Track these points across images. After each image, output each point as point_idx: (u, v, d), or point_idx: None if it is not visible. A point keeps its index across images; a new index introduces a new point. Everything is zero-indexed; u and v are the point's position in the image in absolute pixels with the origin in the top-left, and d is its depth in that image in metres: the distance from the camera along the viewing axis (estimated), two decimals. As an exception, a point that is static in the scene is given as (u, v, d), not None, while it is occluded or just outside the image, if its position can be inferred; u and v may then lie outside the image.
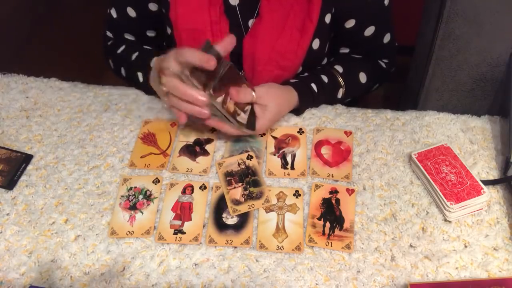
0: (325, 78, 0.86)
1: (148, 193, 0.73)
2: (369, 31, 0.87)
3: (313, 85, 0.84)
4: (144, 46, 0.94)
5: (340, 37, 0.90)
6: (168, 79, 0.69)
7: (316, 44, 0.85)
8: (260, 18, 0.82)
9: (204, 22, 0.81)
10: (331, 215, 0.70)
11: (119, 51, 0.93)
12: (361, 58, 0.92)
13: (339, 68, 0.88)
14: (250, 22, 0.84)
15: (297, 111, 0.84)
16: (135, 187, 0.74)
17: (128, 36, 0.95)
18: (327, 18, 0.83)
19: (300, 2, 0.80)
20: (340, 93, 0.87)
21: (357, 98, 1.04)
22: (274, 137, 0.80)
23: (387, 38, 0.90)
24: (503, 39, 0.86)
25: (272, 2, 0.81)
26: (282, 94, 0.80)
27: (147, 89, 0.86)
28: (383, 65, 0.94)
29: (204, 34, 0.82)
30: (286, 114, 0.83)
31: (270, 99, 0.76)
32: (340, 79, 0.87)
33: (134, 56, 0.89)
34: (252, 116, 0.76)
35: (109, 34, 0.97)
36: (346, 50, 0.93)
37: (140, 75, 0.87)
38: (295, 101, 0.82)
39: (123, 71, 0.92)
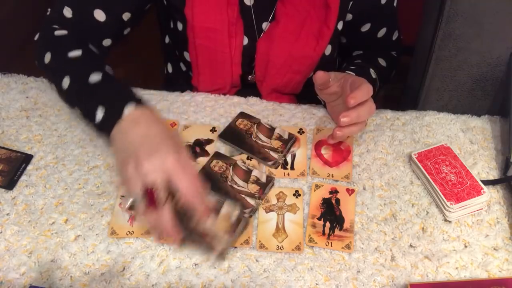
0: (352, 67, 0.85)
1: (148, 193, 0.73)
2: (382, 32, 0.90)
3: (347, 71, 0.81)
4: (108, 69, 0.74)
5: (355, 41, 0.93)
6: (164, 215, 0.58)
7: (328, 50, 0.86)
8: (277, 22, 0.82)
9: (222, 22, 0.81)
10: (331, 215, 0.70)
11: (71, 54, 0.73)
12: (374, 52, 0.94)
13: (358, 60, 0.90)
14: (264, 25, 0.84)
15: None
16: (135, 187, 0.74)
17: (98, 16, 0.78)
18: (340, 25, 0.84)
19: (317, 9, 0.80)
20: (372, 73, 0.84)
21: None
22: (274, 137, 0.80)
23: (395, 35, 0.93)
24: (503, 39, 0.86)
25: (288, 6, 0.81)
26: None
27: (99, 131, 0.67)
28: (393, 54, 0.97)
29: (220, 34, 0.82)
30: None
31: (357, 79, 0.71)
32: (363, 64, 0.88)
33: (94, 78, 0.69)
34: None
35: (67, 12, 0.78)
36: (360, 52, 0.95)
37: (100, 111, 0.65)
38: None
39: (65, 83, 0.71)
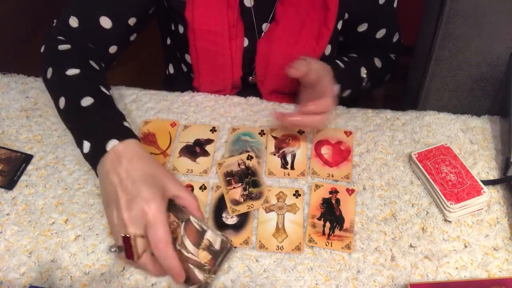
0: (344, 58, 0.86)
1: (148, 193, 0.73)
2: (381, 33, 0.90)
3: (337, 61, 0.84)
4: (102, 90, 0.72)
5: (351, 41, 0.93)
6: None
7: (328, 50, 0.86)
8: (277, 22, 0.82)
9: (222, 24, 0.81)
10: (331, 215, 0.70)
11: (68, 72, 0.72)
12: (372, 52, 0.94)
13: (354, 55, 0.90)
14: (264, 26, 0.84)
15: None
16: (135, 187, 0.74)
17: (104, 23, 0.79)
18: (339, 25, 0.85)
19: (317, 9, 0.80)
20: (363, 72, 0.85)
21: (358, 97, 1.04)
22: (274, 137, 0.80)
23: (396, 37, 0.93)
24: (503, 39, 0.86)
25: (287, 7, 0.81)
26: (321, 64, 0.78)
27: (87, 161, 0.67)
28: (392, 57, 0.97)
29: (221, 36, 0.82)
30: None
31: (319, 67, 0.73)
32: (357, 59, 0.88)
33: (86, 101, 0.68)
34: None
35: (73, 22, 0.79)
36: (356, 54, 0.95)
37: (86, 143, 0.65)
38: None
39: (61, 103, 0.71)
